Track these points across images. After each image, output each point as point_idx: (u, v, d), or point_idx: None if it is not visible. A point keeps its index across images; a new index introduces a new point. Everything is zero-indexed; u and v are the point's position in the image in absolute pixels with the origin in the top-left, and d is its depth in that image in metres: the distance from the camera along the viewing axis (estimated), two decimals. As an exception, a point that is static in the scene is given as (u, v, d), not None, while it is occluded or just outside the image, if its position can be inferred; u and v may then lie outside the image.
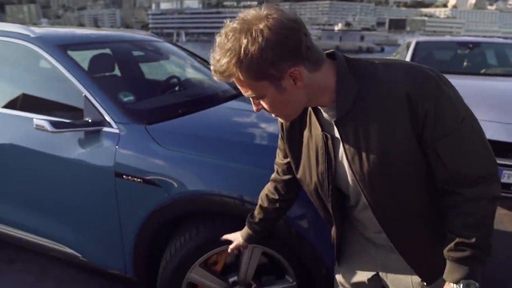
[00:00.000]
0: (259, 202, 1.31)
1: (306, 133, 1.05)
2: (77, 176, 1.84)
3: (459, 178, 0.89)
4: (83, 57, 2.23)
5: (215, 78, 0.89)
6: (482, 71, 4.89)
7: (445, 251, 0.93)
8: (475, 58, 5.26)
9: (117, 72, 2.70)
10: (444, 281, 0.95)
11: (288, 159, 1.14)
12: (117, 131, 1.77)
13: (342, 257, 1.24)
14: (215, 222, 1.61)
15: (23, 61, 2.17)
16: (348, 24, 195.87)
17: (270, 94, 0.89)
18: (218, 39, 0.86)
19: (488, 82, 4.43)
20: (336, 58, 0.92)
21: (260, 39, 0.81)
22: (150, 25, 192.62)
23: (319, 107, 0.97)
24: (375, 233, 1.09)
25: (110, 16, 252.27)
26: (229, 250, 1.45)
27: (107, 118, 1.79)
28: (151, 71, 3.16)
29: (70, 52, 2.03)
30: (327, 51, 0.95)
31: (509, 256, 2.71)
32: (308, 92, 0.91)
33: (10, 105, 2.12)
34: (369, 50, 66.62)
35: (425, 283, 1.05)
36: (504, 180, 3.19)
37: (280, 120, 1.06)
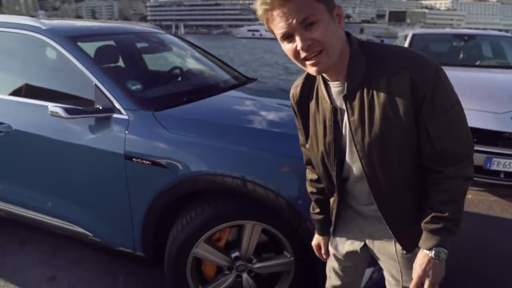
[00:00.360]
0: (312, 197, 1.36)
1: (313, 106, 1.14)
2: (89, 160, 1.97)
3: (442, 156, 1.02)
4: (89, 49, 2.34)
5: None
6: (477, 63, 5.00)
7: (422, 223, 1.07)
8: (471, 50, 5.36)
9: (121, 62, 2.81)
10: (419, 248, 1.09)
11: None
12: (126, 117, 1.89)
13: (334, 230, 1.36)
14: (218, 201, 1.74)
15: (35, 52, 2.29)
16: (348, 16, 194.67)
17: (325, 19, 0.94)
18: None
19: (482, 74, 4.54)
20: (351, 38, 1.04)
21: None
22: (149, 17, 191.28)
23: (329, 82, 1.08)
24: (365, 205, 1.20)
25: (108, 8, 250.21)
26: (317, 254, 1.46)
27: (117, 105, 1.91)
28: (156, 62, 3.28)
29: (79, 43, 2.15)
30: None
31: (501, 240, 2.84)
32: (340, 43, 0.99)
33: (25, 94, 2.24)
34: (368, 43, 66.34)
35: (405, 252, 1.18)
36: (494, 167, 3.32)
37: (298, 87, 1.17)
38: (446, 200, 1.02)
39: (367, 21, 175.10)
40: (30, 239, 2.70)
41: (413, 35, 5.30)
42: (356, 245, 1.30)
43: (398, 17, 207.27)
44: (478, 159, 3.33)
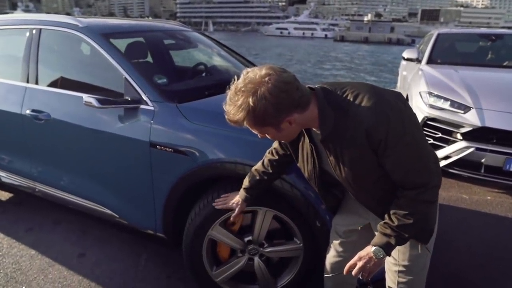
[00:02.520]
0: (254, 173, 1.66)
1: (302, 137, 1.37)
2: (117, 147, 2.14)
3: (400, 183, 1.22)
4: (120, 46, 2.52)
5: (229, 124, 1.21)
6: (505, 63, 4.91)
7: (379, 224, 1.28)
8: (500, 50, 5.24)
9: (150, 58, 2.99)
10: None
11: (285, 151, 1.52)
12: (152, 108, 2.06)
13: (340, 210, 1.56)
14: (233, 187, 1.86)
15: (72, 48, 2.50)
16: (378, 15, 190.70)
17: (272, 133, 1.23)
18: (229, 93, 1.17)
19: (507, 74, 4.47)
20: (317, 96, 1.21)
21: (263, 101, 1.11)
22: (178, 14, 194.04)
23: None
24: None
25: (139, 5, 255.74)
26: (221, 206, 1.79)
27: (144, 97, 2.08)
28: (183, 58, 3.46)
29: (112, 40, 2.33)
30: (310, 86, 1.24)
31: None
32: (300, 126, 1.24)
33: (63, 85, 2.45)
34: (399, 42, 64.79)
35: None
36: (513, 168, 3.31)
37: None
38: (399, 214, 1.22)
39: (399, 20, 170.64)
40: (62, 219, 2.93)
41: (438, 35, 5.25)
42: (357, 224, 1.49)
43: (431, 16, 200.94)
44: (497, 160, 3.32)
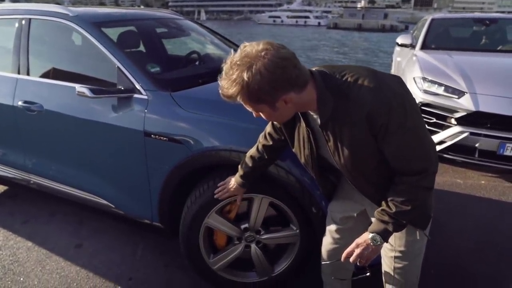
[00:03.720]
0: (248, 159, 1.64)
1: (298, 122, 1.34)
2: (111, 136, 2.13)
3: (399, 170, 1.20)
4: (112, 35, 2.49)
5: (222, 99, 1.16)
6: (499, 47, 4.91)
7: (376, 211, 1.28)
8: (494, 35, 5.22)
9: (142, 46, 2.95)
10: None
11: (280, 135, 1.49)
12: (146, 97, 2.04)
13: (336, 196, 1.56)
14: (229, 174, 1.85)
15: (63, 37, 2.46)
16: (372, 1, 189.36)
17: (267, 112, 1.18)
18: (224, 67, 1.12)
19: (500, 59, 4.47)
20: (315, 79, 1.18)
21: (258, 77, 1.06)
22: (170, 3, 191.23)
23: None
24: None
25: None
26: (220, 196, 1.79)
27: (137, 86, 2.06)
28: (175, 46, 3.42)
29: (103, 29, 2.30)
30: (310, 69, 1.21)
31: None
32: (296, 107, 1.19)
33: (55, 76, 2.42)
34: (392, 28, 64.54)
35: None
36: (507, 153, 3.34)
37: None
38: (397, 201, 1.21)
39: (392, 6, 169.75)
40: (58, 211, 2.93)
41: (432, 20, 5.23)
42: (354, 211, 1.49)
43: (424, 2, 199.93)
44: (491, 144, 3.35)
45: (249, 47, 1.09)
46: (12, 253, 2.46)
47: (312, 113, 1.26)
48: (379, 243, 1.26)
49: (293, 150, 1.44)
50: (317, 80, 1.17)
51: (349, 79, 1.15)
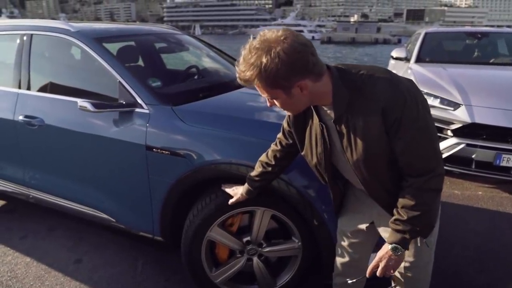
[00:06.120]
0: (258, 164, 1.64)
1: (309, 120, 1.34)
2: (113, 151, 2.13)
3: (408, 168, 1.20)
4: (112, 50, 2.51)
5: (239, 83, 1.18)
6: (491, 60, 5.00)
7: (389, 221, 1.27)
8: (485, 48, 5.33)
9: (141, 61, 2.98)
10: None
11: (289, 140, 1.49)
12: (147, 111, 2.05)
13: (343, 210, 1.55)
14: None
15: (65, 52, 2.49)
16: (365, 15, 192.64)
17: (282, 98, 1.18)
18: (243, 52, 1.13)
19: (493, 71, 4.55)
20: (332, 73, 1.19)
21: (276, 60, 1.07)
22: (165, 18, 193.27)
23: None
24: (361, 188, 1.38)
25: (126, 9, 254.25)
26: (229, 203, 1.78)
27: (139, 100, 2.08)
28: (175, 60, 3.46)
29: (104, 44, 2.32)
30: (326, 64, 1.22)
31: (510, 236, 2.89)
32: (311, 96, 1.18)
33: (56, 90, 2.43)
34: (385, 42, 65.48)
35: None
36: (504, 164, 3.37)
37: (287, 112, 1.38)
38: (407, 207, 1.21)
39: (384, 20, 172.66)
40: (57, 226, 2.90)
41: (425, 34, 5.32)
42: (362, 224, 1.48)
43: (416, 16, 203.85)
44: (487, 155, 3.38)
45: (269, 33, 1.11)
46: (10, 269, 2.43)
47: (325, 108, 1.25)
48: (400, 252, 1.25)
49: (302, 153, 1.42)
50: (333, 73, 1.18)
51: (364, 75, 1.18)
